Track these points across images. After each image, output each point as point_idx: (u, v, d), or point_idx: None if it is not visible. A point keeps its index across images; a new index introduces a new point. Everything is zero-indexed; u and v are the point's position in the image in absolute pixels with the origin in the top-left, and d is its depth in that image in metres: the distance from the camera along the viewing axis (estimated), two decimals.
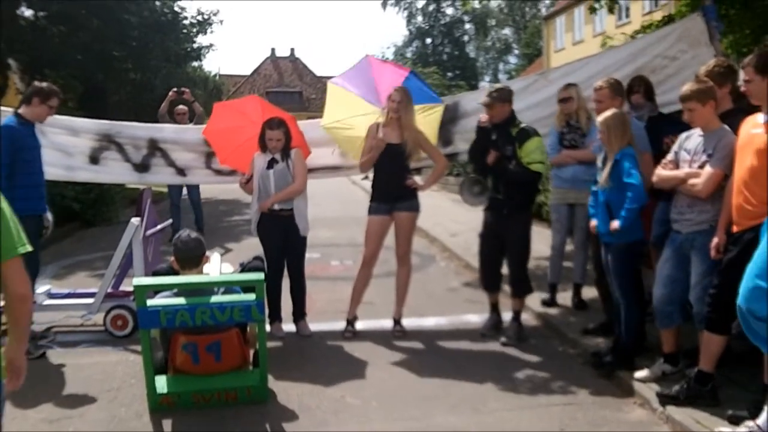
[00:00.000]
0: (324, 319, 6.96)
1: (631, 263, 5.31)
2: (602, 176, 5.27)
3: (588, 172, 6.66)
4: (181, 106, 11.51)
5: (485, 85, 57.73)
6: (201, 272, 5.15)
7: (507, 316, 6.60)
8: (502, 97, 6.23)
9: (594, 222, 5.44)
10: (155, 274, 5.60)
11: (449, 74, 57.14)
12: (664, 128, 5.90)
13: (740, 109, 4.90)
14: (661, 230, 5.49)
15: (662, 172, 4.98)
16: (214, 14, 21.59)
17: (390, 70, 7.13)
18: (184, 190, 11.44)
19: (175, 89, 11.30)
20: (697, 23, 7.20)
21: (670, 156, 5.01)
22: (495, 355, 6.06)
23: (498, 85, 6.61)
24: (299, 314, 6.66)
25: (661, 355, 5.14)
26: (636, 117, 5.97)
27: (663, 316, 5.01)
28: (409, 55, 62.67)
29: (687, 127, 4.97)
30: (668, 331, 5.06)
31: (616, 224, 5.14)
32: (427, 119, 6.66)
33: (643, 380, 5.08)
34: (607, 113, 5.31)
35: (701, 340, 4.67)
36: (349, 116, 6.73)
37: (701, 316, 4.63)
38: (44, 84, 6.23)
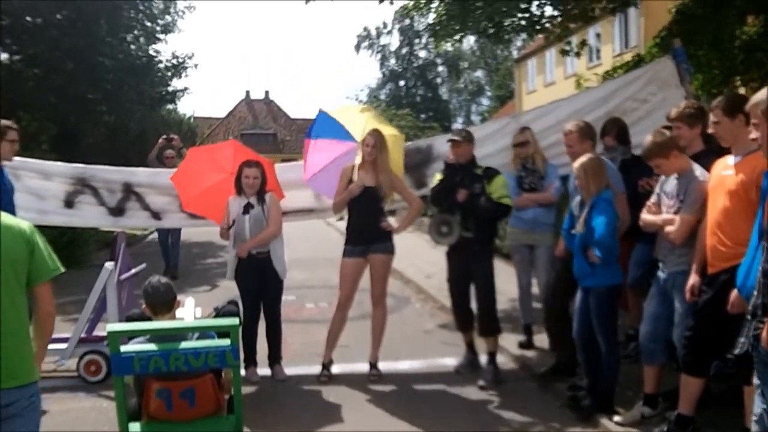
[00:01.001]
0: (299, 362, 6.90)
1: (612, 306, 5.33)
2: (579, 221, 5.27)
3: (548, 214, 6.77)
4: (170, 150, 11.77)
5: (458, 126, 58.46)
6: (174, 317, 5.09)
7: (483, 358, 6.59)
8: (469, 137, 6.41)
9: (561, 246, 5.49)
10: (128, 319, 5.53)
11: (422, 116, 57.77)
12: (637, 170, 6.00)
13: (711, 150, 4.98)
14: (639, 272, 5.54)
15: (646, 217, 5.04)
16: (189, 58, 21.71)
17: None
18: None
19: (164, 136, 11.93)
20: (667, 66, 7.32)
21: (653, 198, 5.07)
22: (472, 399, 6.03)
23: (461, 128, 6.73)
24: (275, 358, 6.60)
25: (641, 397, 5.12)
26: (608, 158, 6.04)
27: (647, 353, 5.03)
28: (382, 97, 63.27)
29: None
30: (651, 370, 5.05)
31: (595, 254, 5.13)
32: (391, 144, 6.61)
33: (621, 424, 5.06)
34: (583, 158, 5.34)
35: (681, 383, 4.67)
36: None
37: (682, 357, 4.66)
38: None
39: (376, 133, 6.39)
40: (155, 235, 11.60)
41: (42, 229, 11.94)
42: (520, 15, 10.34)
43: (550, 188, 6.72)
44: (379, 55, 65.34)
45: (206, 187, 6.81)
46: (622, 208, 5.43)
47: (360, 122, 6.74)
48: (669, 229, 4.76)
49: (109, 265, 6.53)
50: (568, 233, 5.50)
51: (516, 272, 7.29)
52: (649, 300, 5.09)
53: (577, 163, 5.34)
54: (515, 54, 47.18)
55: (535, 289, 7.29)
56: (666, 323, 4.92)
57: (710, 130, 4.59)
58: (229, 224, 6.43)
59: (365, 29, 65.62)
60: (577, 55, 12.39)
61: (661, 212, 4.95)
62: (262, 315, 6.59)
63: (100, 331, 6.51)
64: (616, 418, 5.14)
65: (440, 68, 66.36)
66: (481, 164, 6.47)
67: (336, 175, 6.57)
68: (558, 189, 6.72)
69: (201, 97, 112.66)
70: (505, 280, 6.67)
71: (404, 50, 65.10)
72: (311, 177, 6.86)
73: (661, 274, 4.97)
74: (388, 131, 6.78)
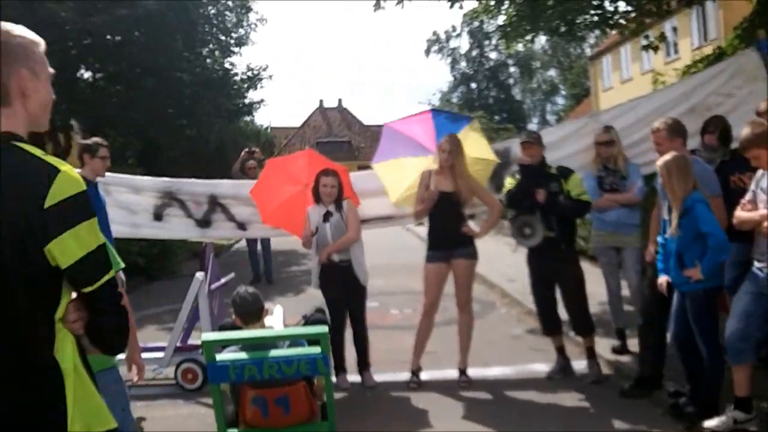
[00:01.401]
0: (386, 369, 6.89)
1: (712, 309, 5.07)
2: (671, 225, 5.05)
3: (632, 215, 6.59)
4: (251, 162, 12.19)
5: (533, 127, 57.90)
6: (263, 326, 5.18)
7: (576, 363, 6.49)
8: (539, 139, 6.41)
9: (663, 278, 5.21)
10: (221, 328, 5.64)
11: (496, 117, 57.24)
12: (729, 167, 5.78)
13: None
14: (736, 273, 5.27)
15: (741, 214, 4.81)
16: (264, 69, 21.85)
17: (413, 120, 7.13)
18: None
19: (246, 149, 12.59)
20: (752, 58, 7.07)
21: (748, 196, 4.85)
22: (566, 405, 5.90)
23: (531, 130, 6.66)
24: (364, 365, 6.63)
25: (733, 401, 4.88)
26: (707, 159, 5.82)
27: (735, 352, 4.79)
28: (455, 100, 63.01)
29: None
30: (740, 370, 4.79)
31: (696, 272, 4.90)
32: (476, 170, 6.58)
33: (714, 429, 4.84)
34: (667, 156, 5.10)
35: None
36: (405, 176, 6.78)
37: None
38: (87, 140, 6.43)
39: (452, 138, 6.36)
40: (240, 244, 11.91)
41: (133, 241, 12.30)
42: (592, 12, 10.15)
43: (632, 188, 6.55)
44: (449, 59, 65.21)
45: (283, 201, 6.94)
46: (718, 212, 5.13)
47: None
48: None
49: (199, 275, 6.68)
50: (663, 248, 5.27)
51: (603, 275, 7.11)
52: (739, 297, 4.84)
53: (660, 162, 5.10)
54: (589, 51, 46.42)
55: (625, 292, 7.11)
56: (759, 322, 4.70)
57: None
58: (312, 232, 6.50)
59: (434, 33, 65.65)
60: (656, 49, 12.07)
61: (758, 209, 4.72)
62: (348, 322, 6.63)
63: (194, 339, 6.66)
64: (707, 423, 4.88)
65: (512, 69, 65.69)
66: (563, 164, 6.42)
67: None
68: (641, 189, 6.56)
69: (276, 107, 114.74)
70: (592, 282, 6.53)
71: (474, 52, 64.71)
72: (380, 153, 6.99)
73: (758, 273, 4.73)
74: (483, 154, 6.71)
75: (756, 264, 4.77)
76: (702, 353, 5.05)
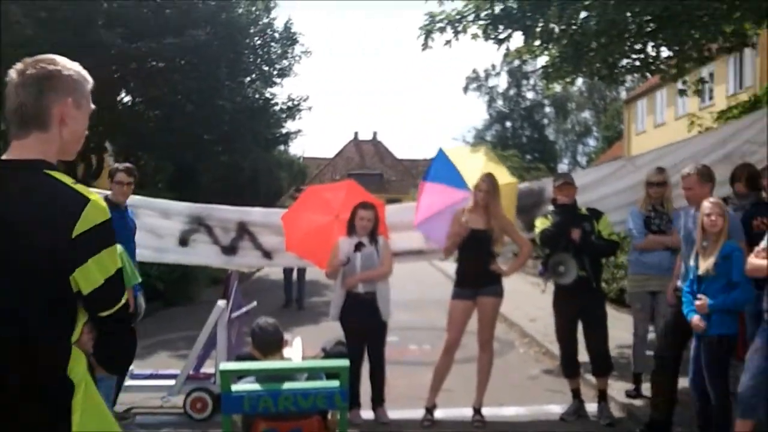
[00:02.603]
0: (402, 405, 6.87)
1: (724, 356, 5.16)
2: (707, 264, 5.09)
3: (672, 259, 6.54)
4: (298, 194, 12.59)
5: (564, 167, 57.80)
6: (282, 357, 5.19)
7: (589, 406, 6.46)
8: (574, 181, 6.56)
9: (697, 318, 5.21)
10: (238, 358, 5.66)
11: (528, 157, 57.13)
12: (753, 211, 5.79)
13: None
14: (756, 326, 5.25)
15: (755, 261, 4.83)
16: (304, 100, 21.83)
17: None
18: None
19: (295, 188, 13.91)
20: None
21: (763, 243, 4.86)
22: None
23: (566, 171, 6.71)
24: (378, 400, 6.61)
25: None
26: (735, 207, 5.82)
27: (747, 407, 4.79)
28: (488, 138, 63.06)
29: None
30: (745, 425, 4.80)
31: (704, 304, 5.06)
32: (504, 193, 6.60)
33: None
34: (716, 199, 5.22)
35: None
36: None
37: None
38: (115, 165, 6.57)
39: (489, 178, 6.40)
40: (262, 272, 12.06)
41: (154, 265, 12.32)
42: (634, 56, 10.17)
43: (675, 231, 6.51)
44: (486, 97, 65.42)
45: (311, 230, 6.94)
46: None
47: (477, 165, 6.77)
48: None
49: (221, 303, 6.67)
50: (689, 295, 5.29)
51: (633, 320, 7.14)
52: (753, 352, 4.85)
53: (715, 199, 5.17)
54: (624, 95, 46.26)
55: (651, 335, 7.06)
56: None
57: None
58: (343, 262, 6.50)
59: (474, 71, 65.95)
60: (697, 93, 12.08)
61: None
62: (365, 356, 6.62)
63: (207, 368, 6.67)
64: None
65: (547, 109, 65.73)
66: (596, 206, 6.55)
67: (447, 221, 6.59)
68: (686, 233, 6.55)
69: (311, 137, 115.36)
70: (612, 325, 6.51)
71: (512, 92, 64.90)
72: (422, 221, 6.90)
73: None
74: (504, 178, 6.79)
75: (766, 317, 4.74)
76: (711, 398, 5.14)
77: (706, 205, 5.14)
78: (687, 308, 5.31)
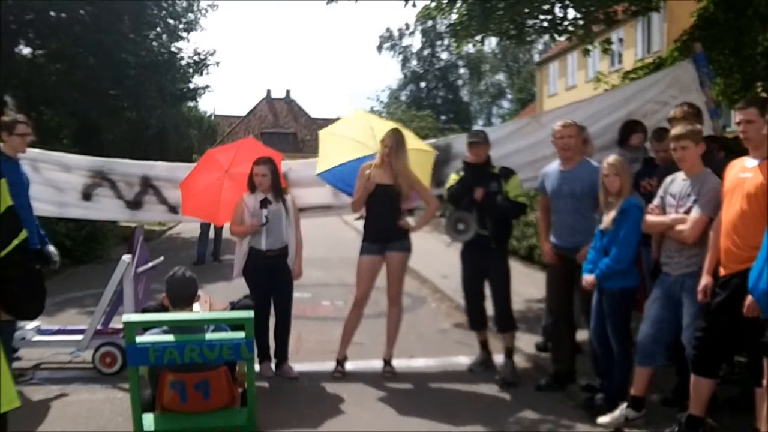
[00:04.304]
0: (314, 359, 6.93)
1: (626, 308, 5.32)
2: (607, 218, 5.24)
3: None
4: None
5: (478, 128, 58.31)
6: (191, 311, 5.13)
7: (498, 357, 6.61)
8: (486, 139, 6.50)
9: (589, 278, 5.38)
10: (144, 311, 5.57)
11: (443, 117, 57.73)
12: (641, 172, 6.00)
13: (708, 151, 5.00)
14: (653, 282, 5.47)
15: (650, 218, 5.02)
16: (211, 54, 21.54)
17: None
18: None
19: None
20: (687, 70, 7.34)
21: (656, 201, 5.06)
22: (484, 397, 6.03)
23: (479, 129, 6.74)
24: (282, 357, 6.59)
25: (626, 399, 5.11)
26: (631, 159, 6.00)
27: (645, 354, 4.99)
28: (403, 98, 63.17)
29: (662, 170, 5.07)
30: (644, 371, 5.02)
31: (590, 279, 5.31)
32: (419, 162, 6.69)
33: (605, 426, 5.08)
34: (617, 157, 5.31)
35: (692, 384, 4.66)
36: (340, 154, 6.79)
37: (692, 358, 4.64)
38: (6, 117, 6.25)
39: (395, 134, 6.40)
40: (173, 230, 11.84)
41: (61, 223, 12.07)
42: (542, 17, 10.31)
43: None
44: (400, 56, 65.32)
45: (200, 189, 6.83)
46: None
47: (388, 126, 6.73)
48: (681, 227, 4.74)
49: (126, 258, 6.58)
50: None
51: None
52: (651, 302, 5.05)
53: (611, 160, 5.25)
54: (537, 57, 47.06)
55: None
56: (669, 326, 4.90)
57: (739, 129, 4.49)
58: (262, 223, 6.39)
59: (387, 30, 66.00)
60: (605, 51, 12.37)
61: (665, 214, 4.94)
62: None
63: (116, 324, 6.56)
64: (600, 419, 5.14)
65: (462, 70, 66.18)
66: (501, 164, 6.53)
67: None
68: None
69: (222, 95, 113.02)
70: (521, 282, 6.68)
71: (426, 52, 64.95)
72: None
73: (666, 277, 4.94)
74: (417, 145, 6.81)
75: (663, 268, 4.96)
76: (613, 349, 5.29)
77: (604, 165, 5.27)
78: (586, 265, 5.47)
